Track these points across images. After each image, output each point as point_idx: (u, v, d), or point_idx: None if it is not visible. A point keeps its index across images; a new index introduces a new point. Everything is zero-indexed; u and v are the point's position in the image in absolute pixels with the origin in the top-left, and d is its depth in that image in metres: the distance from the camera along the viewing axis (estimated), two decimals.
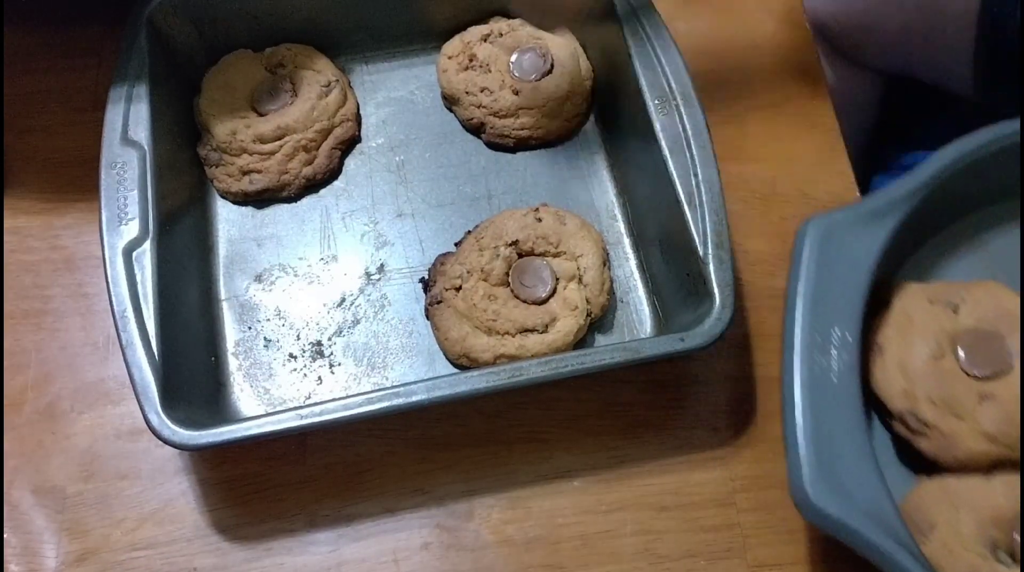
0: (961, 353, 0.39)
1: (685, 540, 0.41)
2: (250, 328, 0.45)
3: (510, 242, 0.44)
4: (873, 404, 0.40)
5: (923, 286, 0.42)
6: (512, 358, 0.41)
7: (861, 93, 0.70)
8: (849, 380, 0.36)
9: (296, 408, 0.38)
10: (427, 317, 0.45)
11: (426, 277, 0.45)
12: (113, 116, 0.44)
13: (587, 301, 0.43)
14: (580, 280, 0.44)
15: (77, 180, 0.50)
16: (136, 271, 0.40)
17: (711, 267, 0.40)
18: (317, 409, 0.37)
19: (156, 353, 0.38)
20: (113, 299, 0.39)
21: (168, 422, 0.37)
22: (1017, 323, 0.39)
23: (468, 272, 0.43)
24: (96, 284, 0.47)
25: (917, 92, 0.69)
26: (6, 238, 0.48)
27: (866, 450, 0.34)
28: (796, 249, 0.39)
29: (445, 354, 0.44)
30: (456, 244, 0.46)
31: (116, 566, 0.40)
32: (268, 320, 0.45)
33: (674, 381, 0.44)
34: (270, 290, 0.46)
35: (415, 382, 0.38)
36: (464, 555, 0.41)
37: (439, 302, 0.43)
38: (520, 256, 0.44)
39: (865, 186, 0.65)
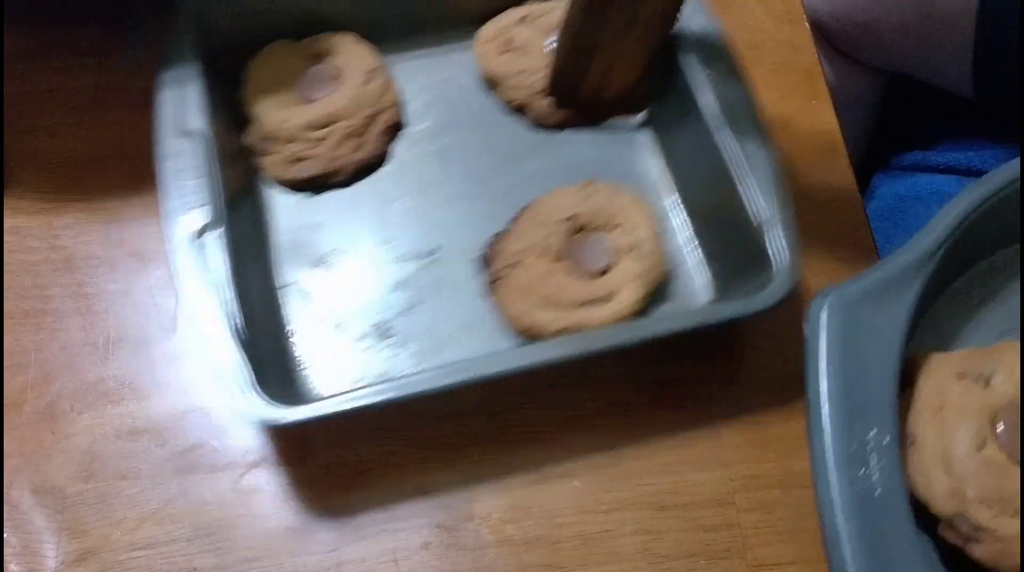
0: (1003, 436, 0.34)
1: (685, 540, 0.41)
2: (313, 313, 0.46)
3: (565, 218, 0.45)
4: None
5: (947, 357, 0.37)
6: (577, 330, 0.42)
7: (861, 92, 0.70)
8: (895, 491, 0.31)
9: (389, 380, 0.38)
10: (488, 295, 0.45)
11: (484, 255, 0.46)
12: (165, 107, 0.44)
13: (645, 274, 0.44)
14: (636, 252, 0.45)
15: (77, 180, 0.50)
16: (209, 257, 0.40)
17: (775, 229, 0.40)
18: (415, 380, 0.38)
19: (243, 334, 0.39)
20: (183, 286, 0.40)
21: (266, 399, 0.37)
22: None
23: (526, 249, 0.44)
24: (96, 284, 0.47)
25: (917, 91, 0.69)
26: (6, 238, 0.48)
27: (925, 564, 0.30)
28: (811, 333, 0.34)
29: (510, 329, 0.44)
30: (512, 222, 0.47)
31: (116, 566, 0.40)
32: (330, 304, 0.46)
33: (674, 381, 0.44)
34: (330, 275, 0.47)
35: (497, 353, 0.40)
36: (464, 555, 0.41)
37: (499, 279, 0.44)
38: (575, 231, 0.45)
39: (865, 186, 0.65)
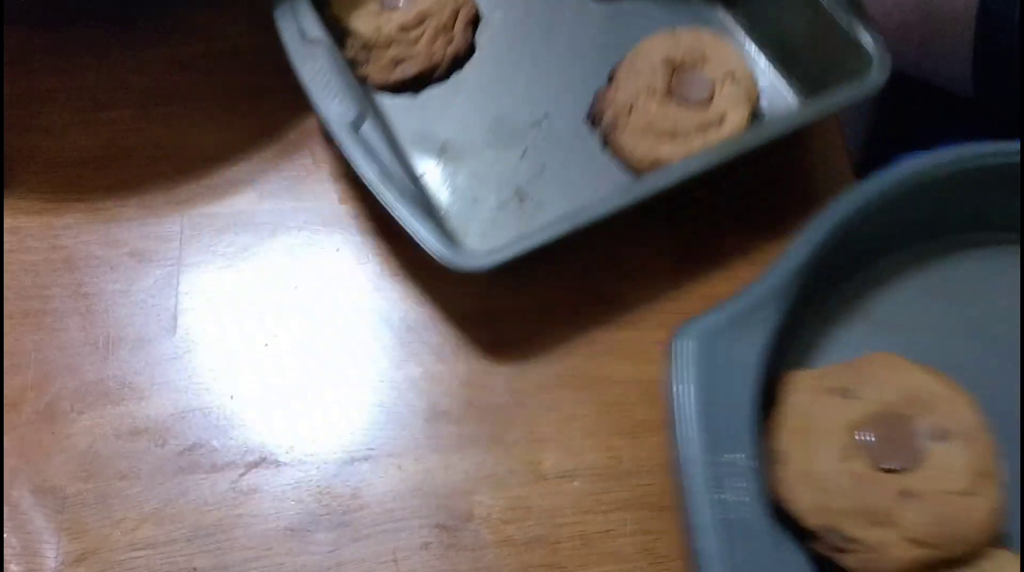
0: (870, 448, 0.35)
1: (685, 540, 0.41)
2: (453, 192, 0.48)
3: (661, 61, 0.49)
4: (780, 518, 0.36)
5: (812, 374, 0.37)
6: (699, 150, 0.44)
7: None
8: (760, 513, 0.32)
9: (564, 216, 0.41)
10: (605, 146, 0.49)
11: (591, 112, 0.50)
12: (285, 19, 0.48)
13: (745, 95, 0.48)
14: (732, 77, 0.49)
15: (77, 180, 0.50)
16: (370, 142, 0.44)
17: (859, 28, 0.45)
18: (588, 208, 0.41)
19: (422, 202, 0.43)
20: (362, 169, 0.43)
21: (465, 247, 0.44)
22: (921, 398, 0.36)
23: (635, 93, 0.48)
24: (95, 284, 0.47)
25: (918, 91, 0.69)
26: (5, 238, 0.48)
27: None
28: (672, 368, 0.34)
29: (635, 171, 0.47)
30: (608, 79, 0.50)
31: (116, 566, 0.40)
32: (467, 184, 0.49)
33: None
34: (457, 159, 0.49)
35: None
36: (464, 555, 0.41)
37: (615, 129, 0.48)
38: (673, 72, 0.49)
39: None
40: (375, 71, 0.51)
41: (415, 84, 0.52)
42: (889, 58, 0.46)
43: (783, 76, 0.52)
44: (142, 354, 0.45)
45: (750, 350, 0.34)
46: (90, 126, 0.52)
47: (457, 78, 0.52)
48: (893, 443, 0.35)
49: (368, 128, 0.45)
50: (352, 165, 0.43)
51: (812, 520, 0.34)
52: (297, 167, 0.51)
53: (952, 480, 0.34)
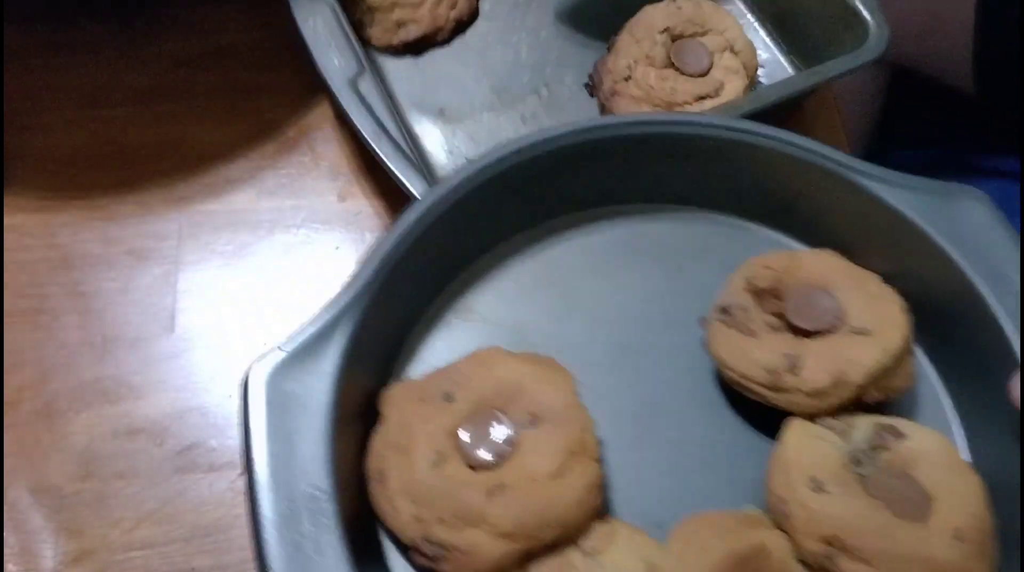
0: (463, 449, 0.34)
1: None
2: (450, 154, 0.50)
3: (662, 30, 0.49)
4: (394, 542, 0.35)
5: (411, 384, 0.37)
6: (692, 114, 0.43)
7: (863, 86, 0.70)
8: (332, 546, 0.31)
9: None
10: (603, 112, 0.50)
11: (589, 81, 0.51)
12: None
13: (743, 66, 0.50)
14: (731, 48, 0.50)
15: (75, 178, 0.50)
16: (368, 97, 0.44)
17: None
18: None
19: (415, 159, 0.43)
20: (358, 122, 0.43)
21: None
22: (511, 387, 0.36)
23: (635, 62, 0.48)
24: (93, 282, 0.47)
25: (919, 88, 0.69)
26: (3, 236, 0.48)
27: None
28: (241, 409, 0.33)
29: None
30: (608, 48, 0.51)
31: (114, 566, 0.40)
32: (464, 147, 0.50)
33: None
34: (456, 122, 0.50)
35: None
36: None
37: (615, 95, 0.49)
38: (673, 41, 0.50)
39: None
40: (378, 33, 0.52)
41: (417, 47, 0.53)
42: (888, 29, 0.47)
43: (782, 50, 0.53)
44: (140, 353, 0.45)
45: (322, 377, 0.34)
46: (88, 124, 0.51)
47: (460, 42, 0.53)
48: (483, 439, 0.34)
49: (367, 86, 0.45)
50: (348, 119, 0.44)
51: (409, 532, 0.33)
52: (296, 165, 0.51)
53: (541, 465, 0.33)
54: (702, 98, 0.48)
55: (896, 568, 0.32)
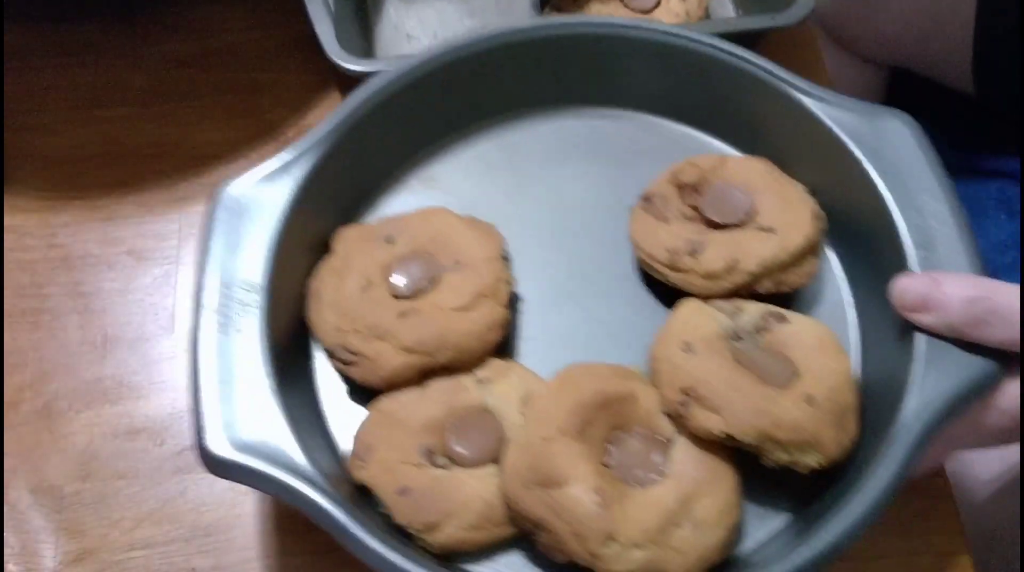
0: (392, 279, 0.40)
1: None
2: (396, 28, 0.54)
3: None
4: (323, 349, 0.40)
5: (363, 226, 0.43)
6: None
7: (862, 85, 0.70)
8: (253, 330, 0.37)
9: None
10: None
11: None
12: None
13: (687, 13, 0.51)
14: None
15: (75, 178, 0.50)
16: None
17: None
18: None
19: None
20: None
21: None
22: (445, 238, 0.41)
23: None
24: (93, 282, 0.47)
25: (919, 88, 0.69)
26: (4, 236, 0.48)
27: (270, 396, 0.35)
28: (207, 215, 0.39)
29: None
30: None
31: (114, 566, 0.40)
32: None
33: None
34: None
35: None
36: None
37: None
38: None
39: None
40: None
41: None
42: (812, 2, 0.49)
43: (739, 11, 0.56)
44: (140, 353, 0.45)
45: (276, 200, 0.39)
46: (88, 124, 0.52)
47: None
48: (408, 275, 0.40)
49: None
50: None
51: (329, 339, 0.39)
52: None
53: (451, 299, 0.39)
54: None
55: (743, 420, 0.34)
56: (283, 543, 0.41)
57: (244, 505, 0.41)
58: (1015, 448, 0.47)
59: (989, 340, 0.34)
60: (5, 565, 0.40)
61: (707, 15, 0.53)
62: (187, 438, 0.43)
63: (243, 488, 0.42)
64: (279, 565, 0.40)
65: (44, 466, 0.42)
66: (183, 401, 0.44)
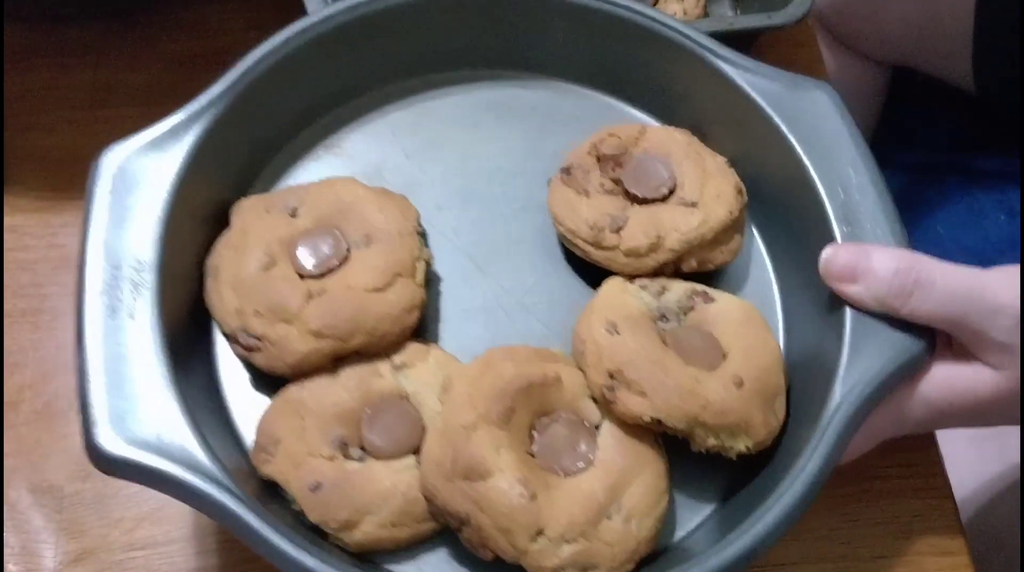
0: (298, 255, 0.37)
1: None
2: None
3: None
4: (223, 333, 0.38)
5: (263, 197, 0.40)
6: None
7: (863, 83, 0.70)
8: (146, 313, 0.34)
9: None
10: None
11: None
12: None
13: (684, 12, 0.49)
14: None
15: (75, 178, 0.49)
16: None
17: None
18: None
19: None
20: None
21: None
22: (354, 211, 0.38)
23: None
24: None
25: (920, 87, 0.69)
26: (4, 236, 0.48)
27: (166, 385, 0.33)
28: (88, 186, 0.36)
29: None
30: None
31: (114, 566, 0.40)
32: None
33: None
34: None
35: None
36: None
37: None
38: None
39: None
40: None
41: None
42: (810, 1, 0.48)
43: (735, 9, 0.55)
44: None
45: (165, 167, 0.37)
46: (89, 124, 0.52)
47: None
48: (315, 252, 0.37)
49: None
50: None
51: (229, 322, 0.36)
52: None
53: (363, 278, 0.36)
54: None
55: (671, 402, 0.33)
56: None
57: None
58: (1015, 447, 0.47)
59: (917, 312, 0.34)
60: (5, 565, 0.40)
61: (705, 13, 0.53)
62: None
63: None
64: None
65: (44, 466, 0.42)
66: None
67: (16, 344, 0.45)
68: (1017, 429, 0.43)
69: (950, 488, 0.42)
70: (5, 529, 0.41)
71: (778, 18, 0.48)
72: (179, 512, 0.41)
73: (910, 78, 0.69)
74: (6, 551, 0.40)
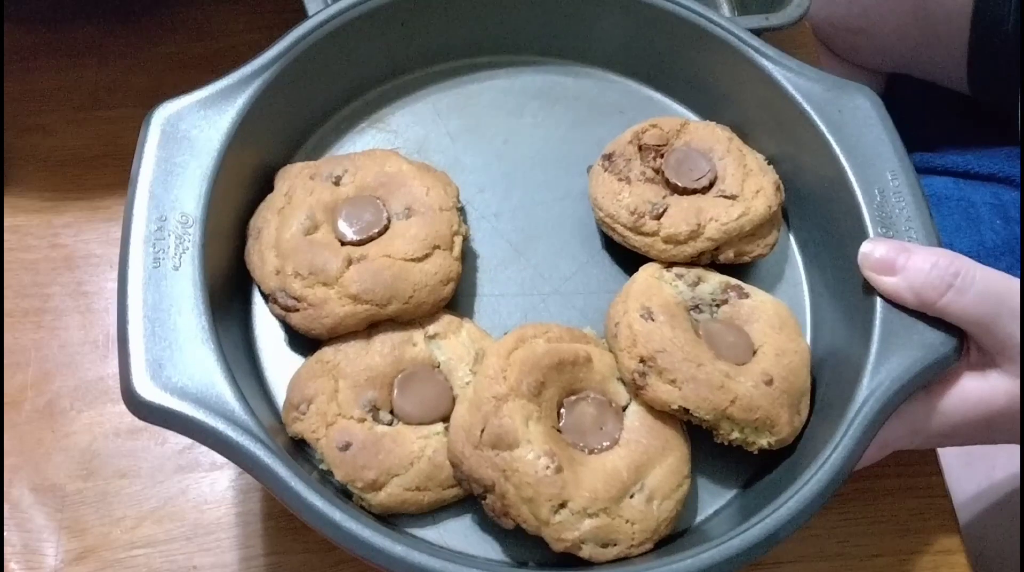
0: (340, 223, 0.38)
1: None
2: None
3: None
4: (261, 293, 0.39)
5: (308, 164, 0.41)
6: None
7: None
8: (190, 265, 0.34)
9: None
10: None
11: None
12: None
13: None
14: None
15: (77, 179, 0.50)
16: None
17: None
18: None
19: None
20: None
21: None
22: (396, 183, 0.39)
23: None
24: (95, 282, 0.47)
25: (915, 91, 0.69)
26: (5, 236, 0.48)
27: (205, 337, 0.33)
28: (140, 140, 0.37)
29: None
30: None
31: (115, 564, 0.40)
32: None
33: None
34: None
35: None
36: None
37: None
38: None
39: None
40: None
41: None
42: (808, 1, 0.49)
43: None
44: None
45: (215, 127, 0.38)
46: (90, 125, 0.52)
47: None
48: (359, 219, 0.38)
49: None
50: None
51: (268, 283, 0.37)
52: None
53: (402, 248, 0.37)
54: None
55: (700, 394, 0.34)
56: (283, 541, 0.41)
57: (246, 503, 0.42)
58: (1003, 468, 0.47)
59: (950, 307, 0.34)
60: (7, 563, 0.40)
61: None
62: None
63: (244, 486, 0.42)
64: (280, 563, 0.40)
65: (46, 465, 0.42)
66: None
67: (18, 344, 0.45)
68: (1006, 448, 0.43)
69: (946, 487, 0.42)
70: (7, 528, 0.41)
71: (776, 19, 0.49)
72: (180, 511, 0.41)
73: (904, 82, 0.69)
74: (8, 549, 0.40)
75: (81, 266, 0.47)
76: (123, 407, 0.43)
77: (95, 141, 0.51)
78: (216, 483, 0.42)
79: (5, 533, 0.41)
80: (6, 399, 0.44)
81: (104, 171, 0.50)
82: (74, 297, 0.46)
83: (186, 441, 0.43)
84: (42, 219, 0.49)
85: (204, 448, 0.42)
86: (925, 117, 0.69)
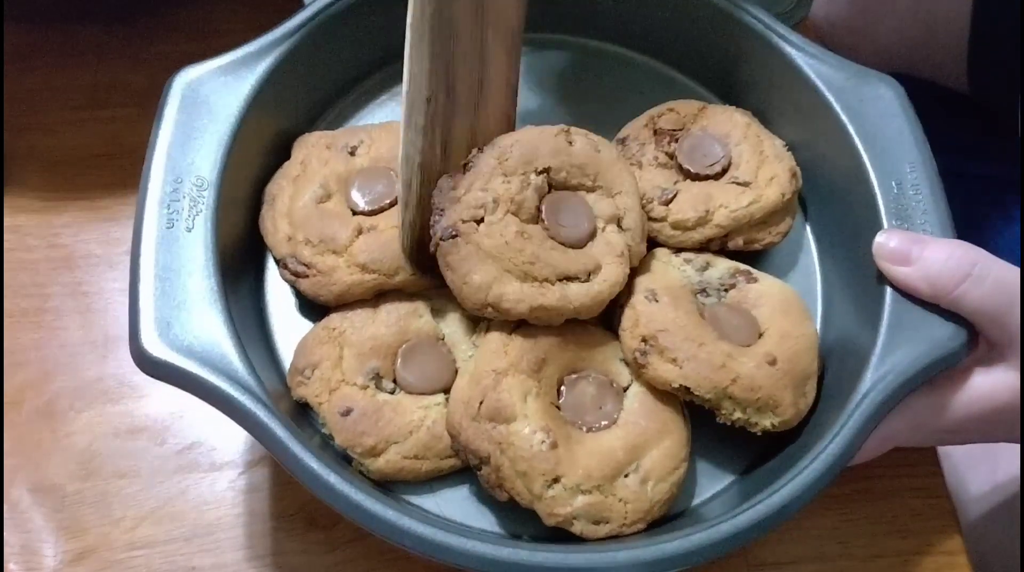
0: (352, 193, 0.39)
1: None
2: None
3: (541, 169, 0.37)
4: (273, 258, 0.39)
5: (325, 134, 0.41)
6: (552, 311, 0.35)
7: None
8: (203, 228, 0.35)
9: None
10: (434, 255, 0.36)
11: (434, 200, 0.37)
12: None
13: (628, 249, 0.37)
14: (619, 223, 0.38)
15: (76, 178, 0.50)
16: None
17: None
18: None
19: None
20: None
21: None
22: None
23: (494, 201, 0.36)
24: (95, 282, 0.47)
25: (915, 90, 0.69)
26: (5, 236, 0.48)
27: (213, 298, 0.34)
28: (160, 103, 0.38)
29: (463, 303, 0.36)
30: (464, 165, 0.37)
31: (115, 565, 0.40)
32: None
33: None
34: None
35: None
36: None
37: (454, 237, 0.35)
38: (551, 188, 0.37)
39: None
40: None
41: None
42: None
43: None
44: None
45: (234, 94, 0.38)
46: (90, 125, 0.52)
47: None
48: (369, 191, 0.39)
49: None
50: None
51: (280, 249, 0.38)
52: None
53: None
54: (567, 279, 0.36)
55: (702, 373, 0.34)
56: (283, 542, 0.41)
57: (245, 503, 0.42)
58: (1003, 471, 0.47)
59: (964, 298, 0.34)
60: (6, 564, 0.40)
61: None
62: (189, 437, 0.43)
63: (244, 486, 0.42)
64: (279, 564, 0.40)
65: (45, 465, 0.42)
66: (183, 400, 0.44)
67: (18, 344, 0.45)
68: (1007, 448, 0.43)
69: (947, 487, 0.42)
70: (6, 528, 0.41)
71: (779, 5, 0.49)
72: (179, 511, 0.41)
73: (904, 82, 0.69)
74: (7, 550, 0.40)
75: (81, 266, 0.47)
76: (122, 407, 0.44)
77: (95, 141, 0.51)
78: (216, 484, 0.42)
79: (4, 533, 0.41)
80: (6, 399, 0.44)
81: (104, 171, 0.50)
82: (74, 297, 0.46)
83: (186, 442, 0.43)
84: (41, 219, 0.49)
85: (203, 449, 0.43)
86: (925, 117, 0.69)
